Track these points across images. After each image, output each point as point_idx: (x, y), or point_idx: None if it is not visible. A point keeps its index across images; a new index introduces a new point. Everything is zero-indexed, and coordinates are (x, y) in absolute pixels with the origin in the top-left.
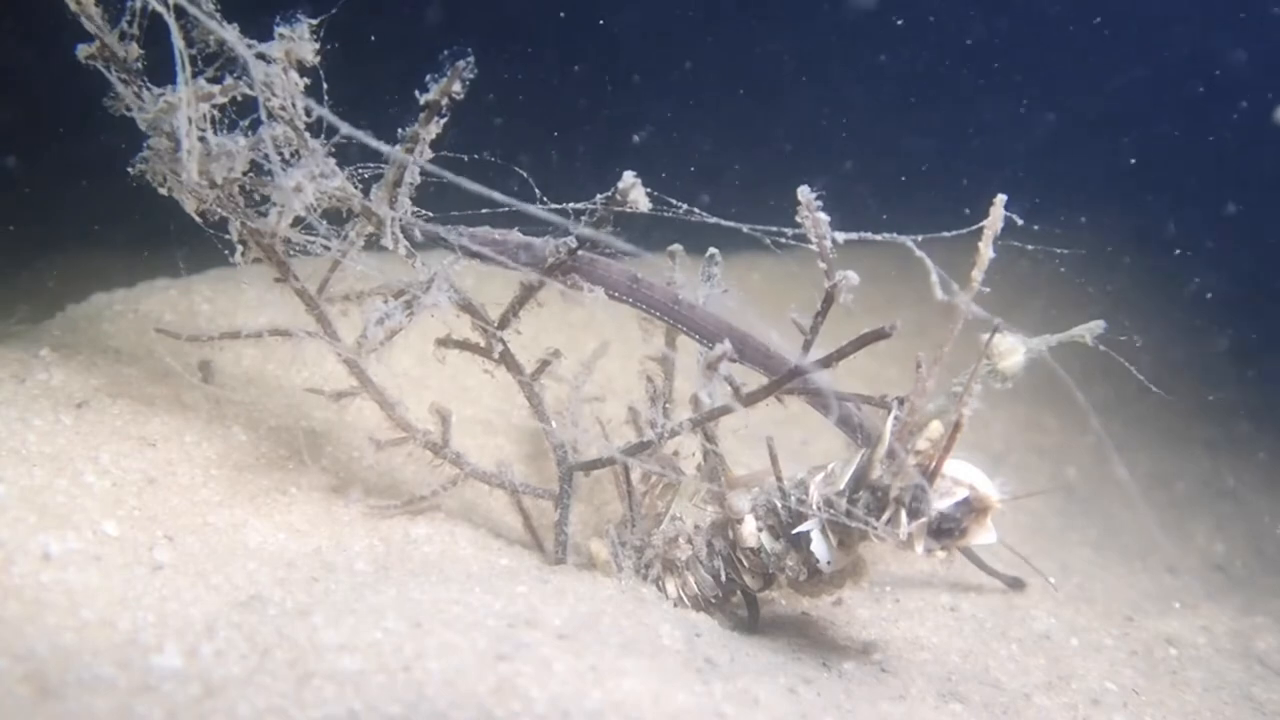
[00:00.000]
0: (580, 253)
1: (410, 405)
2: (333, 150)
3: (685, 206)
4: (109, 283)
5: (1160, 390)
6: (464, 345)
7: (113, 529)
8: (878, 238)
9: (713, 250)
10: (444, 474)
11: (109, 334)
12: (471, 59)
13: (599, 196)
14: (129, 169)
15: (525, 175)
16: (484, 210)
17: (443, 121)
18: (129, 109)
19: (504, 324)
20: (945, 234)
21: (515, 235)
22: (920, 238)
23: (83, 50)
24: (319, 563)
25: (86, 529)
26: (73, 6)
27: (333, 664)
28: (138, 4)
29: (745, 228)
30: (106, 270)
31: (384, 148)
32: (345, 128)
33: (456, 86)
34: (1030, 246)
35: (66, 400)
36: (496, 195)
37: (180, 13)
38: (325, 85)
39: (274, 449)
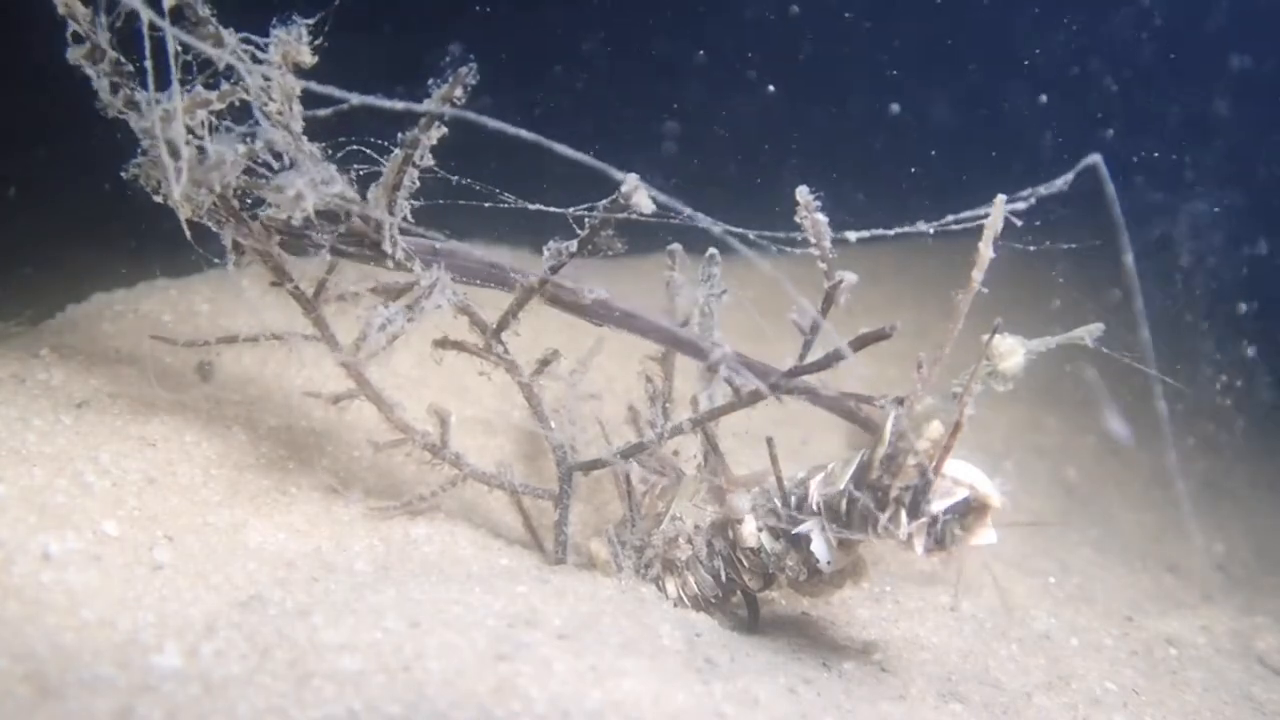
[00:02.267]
0: (440, 244)
1: (409, 406)
2: (330, 152)
3: (688, 211)
4: (109, 283)
5: (1157, 387)
6: (462, 346)
7: (113, 529)
8: (891, 234)
9: (712, 251)
10: (444, 474)
11: (109, 334)
12: (474, 65)
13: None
14: (122, 173)
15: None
16: (472, 200)
17: (442, 128)
18: (121, 112)
19: (503, 326)
20: (951, 217)
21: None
22: (932, 227)
23: (73, 53)
24: (319, 563)
25: (86, 529)
26: (60, 9)
27: (333, 664)
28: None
29: (752, 234)
30: (107, 270)
31: (416, 107)
32: (354, 98)
33: (458, 92)
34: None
35: (66, 400)
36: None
37: (176, 17)
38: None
39: (274, 449)
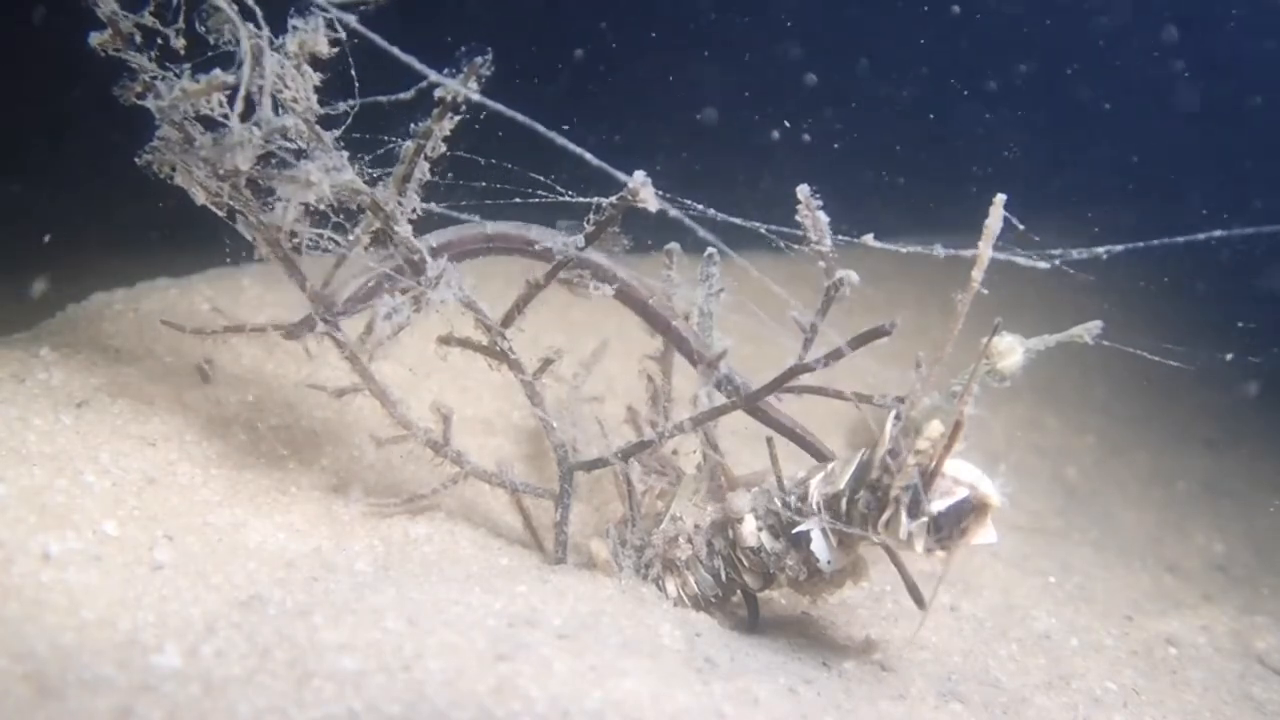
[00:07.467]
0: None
1: (410, 405)
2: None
3: (700, 207)
4: (109, 282)
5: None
6: (465, 343)
7: (113, 529)
8: (903, 250)
9: (711, 250)
10: (444, 473)
11: (109, 334)
12: (489, 56)
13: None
14: (136, 159)
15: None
16: (486, 201)
17: (456, 118)
18: (140, 97)
19: (507, 323)
20: (968, 253)
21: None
22: (945, 252)
23: (95, 38)
24: (319, 562)
25: (86, 529)
26: None
27: (333, 664)
28: None
29: (763, 228)
30: (107, 270)
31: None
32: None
33: (472, 83)
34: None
35: (66, 400)
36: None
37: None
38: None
39: (274, 449)
